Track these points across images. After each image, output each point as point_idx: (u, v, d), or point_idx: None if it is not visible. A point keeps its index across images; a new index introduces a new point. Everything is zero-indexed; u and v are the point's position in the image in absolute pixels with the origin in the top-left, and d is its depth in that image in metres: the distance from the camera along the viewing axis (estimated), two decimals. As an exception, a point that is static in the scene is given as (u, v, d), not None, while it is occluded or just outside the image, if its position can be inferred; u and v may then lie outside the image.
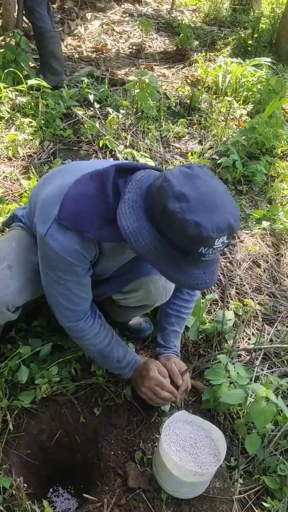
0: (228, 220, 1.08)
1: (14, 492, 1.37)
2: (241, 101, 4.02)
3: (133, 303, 1.69)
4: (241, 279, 2.34)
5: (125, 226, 1.17)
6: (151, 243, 1.15)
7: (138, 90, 3.44)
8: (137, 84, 3.43)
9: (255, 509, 1.48)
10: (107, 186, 1.26)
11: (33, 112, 3.22)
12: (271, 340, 2.07)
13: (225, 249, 2.49)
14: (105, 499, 1.38)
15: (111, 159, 3.03)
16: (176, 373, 1.61)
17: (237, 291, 2.28)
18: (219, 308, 2.14)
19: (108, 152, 3.07)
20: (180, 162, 3.24)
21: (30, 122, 3.09)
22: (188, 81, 4.37)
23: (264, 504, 1.48)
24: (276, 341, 2.06)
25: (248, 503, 1.49)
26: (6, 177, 2.68)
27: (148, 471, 1.49)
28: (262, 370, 1.92)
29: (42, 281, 1.43)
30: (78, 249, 1.28)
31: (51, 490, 1.65)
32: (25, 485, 1.41)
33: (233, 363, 1.84)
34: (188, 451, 1.45)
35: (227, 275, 2.34)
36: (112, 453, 1.54)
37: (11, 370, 1.64)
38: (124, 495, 1.41)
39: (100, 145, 3.07)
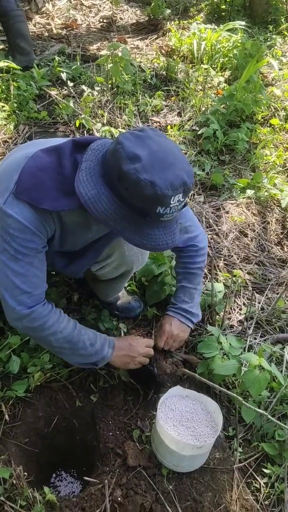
0: (181, 177, 1.11)
1: (14, 481, 1.37)
2: (218, 68, 3.92)
3: (112, 272, 1.65)
4: (228, 250, 2.32)
5: (83, 193, 1.17)
6: (110, 208, 1.15)
7: (111, 65, 3.34)
8: (110, 58, 3.33)
9: (256, 476, 1.50)
10: (64, 159, 1.27)
11: (4, 96, 3.12)
12: (262, 309, 2.07)
13: (210, 220, 2.47)
14: (106, 480, 1.38)
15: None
16: (162, 333, 1.68)
17: (225, 262, 2.26)
18: (208, 281, 2.13)
19: (85, 131, 3.00)
20: (160, 136, 3.17)
21: (3, 107, 3.00)
22: (163, 51, 4.25)
23: (265, 470, 1.50)
24: (267, 309, 2.06)
25: (248, 471, 1.50)
26: (-18, 165, 2.60)
27: (147, 449, 1.49)
28: (255, 339, 1.92)
29: None
30: (37, 217, 1.26)
31: (53, 475, 1.66)
32: (26, 473, 1.41)
33: (225, 335, 1.84)
34: (185, 425, 1.46)
35: (214, 247, 2.32)
36: (111, 434, 1.54)
37: (1, 361, 1.63)
38: (124, 474, 1.41)
39: (77, 125, 2.99)
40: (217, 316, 1.95)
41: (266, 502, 1.44)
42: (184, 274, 1.72)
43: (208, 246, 2.30)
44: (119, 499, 1.35)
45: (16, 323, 1.36)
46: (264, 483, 1.48)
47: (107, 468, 1.45)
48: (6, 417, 1.52)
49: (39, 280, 1.35)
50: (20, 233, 1.25)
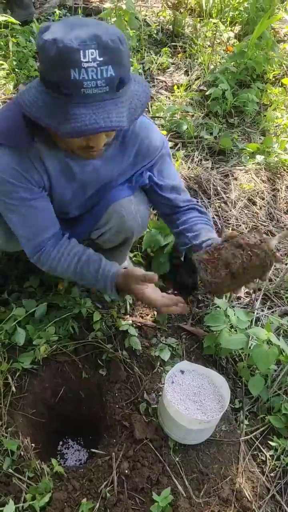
0: (92, 31, 0.96)
1: (22, 453, 1.38)
2: (227, 23, 3.70)
3: (112, 239, 1.59)
4: (236, 219, 2.25)
5: (20, 93, 1.11)
6: (38, 97, 1.05)
7: (115, 19, 3.14)
8: (114, 11, 3.14)
9: (262, 448, 1.51)
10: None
11: (3, 53, 2.96)
12: (270, 280, 2.03)
13: (218, 188, 2.39)
14: (113, 452, 1.40)
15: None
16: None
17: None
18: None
19: (88, 92, 2.86)
20: (166, 97, 3.03)
21: (1, 64, 2.85)
22: (169, 3, 4.00)
23: (271, 443, 1.51)
24: (276, 280, 2.02)
25: (254, 443, 1.52)
26: (-19, 128, 2.50)
27: (154, 421, 1.50)
28: (263, 311, 1.90)
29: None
30: (15, 168, 1.22)
31: (60, 443, 1.68)
32: (33, 444, 1.42)
33: (233, 307, 1.81)
34: (192, 399, 1.45)
35: (222, 216, 2.26)
36: (117, 406, 1.55)
37: (7, 333, 1.61)
38: (131, 446, 1.42)
39: (79, 84, 2.85)
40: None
41: (272, 475, 1.45)
42: (203, 225, 1.45)
43: (216, 215, 2.25)
44: (126, 471, 1.36)
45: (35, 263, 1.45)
46: (270, 455, 1.50)
47: (114, 440, 1.46)
48: (13, 388, 1.52)
49: (39, 227, 1.37)
50: (2, 186, 1.25)
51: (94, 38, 0.95)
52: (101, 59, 0.96)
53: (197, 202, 1.56)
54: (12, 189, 1.26)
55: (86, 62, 0.95)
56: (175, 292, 1.51)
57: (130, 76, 1.10)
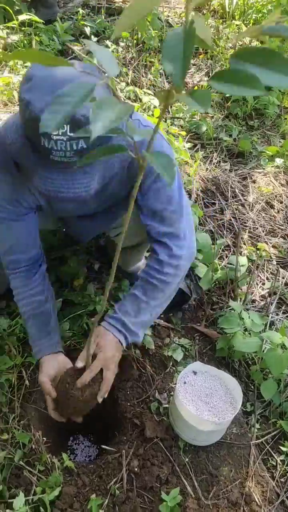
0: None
1: (33, 446, 1.40)
2: (250, 25, 3.68)
3: (128, 240, 1.57)
4: (254, 222, 2.24)
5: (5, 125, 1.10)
6: (17, 139, 1.03)
7: (137, 19, 3.15)
8: (136, 12, 3.14)
9: (272, 453, 1.50)
10: None
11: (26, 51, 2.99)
12: (286, 284, 2.02)
13: (236, 190, 2.38)
14: (123, 450, 1.40)
15: (113, 98, 2.85)
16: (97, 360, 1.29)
17: (250, 235, 2.20)
18: (231, 254, 2.08)
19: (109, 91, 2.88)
20: (186, 97, 3.03)
21: (24, 63, 2.88)
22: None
23: (282, 448, 1.50)
24: (292, 284, 2.01)
25: (265, 447, 1.51)
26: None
27: (165, 421, 1.50)
28: (277, 315, 1.88)
29: None
30: (9, 191, 1.21)
31: (70, 438, 1.69)
32: (44, 438, 1.43)
33: (247, 310, 1.80)
34: (203, 400, 1.45)
35: (239, 218, 2.25)
36: (128, 404, 1.55)
37: (22, 327, 1.63)
38: (142, 445, 1.43)
39: (100, 84, 2.86)
40: (240, 291, 1.91)
41: (282, 480, 1.44)
42: (143, 280, 1.34)
43: (233, 217, 2.24)
44: (136, 469, 1.37)
45: None
46: (280, 460, 1.48)
47: (125, 438, 1.46)
48: (27, 382, 1.54)
49: (14, 247, 1.34)
50: None
51: None
52: (72, 134, 0.92)
53: (178, 237, 1.31)
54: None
55: (56, 135, 0.92)
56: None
57: (111, 136, 1.02)
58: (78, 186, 1.01)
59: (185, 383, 1.48)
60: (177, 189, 1.28)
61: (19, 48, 3.01)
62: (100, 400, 1.31)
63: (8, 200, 1.25)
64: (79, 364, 1.29)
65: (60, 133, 0.92)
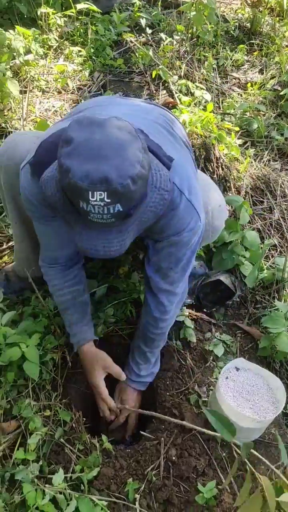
0: (104, 172, 0.90)
1: (74, 425, 1.42)
2: (308, 24, 3.60)
3: None
4: (302, 223, 2.20)
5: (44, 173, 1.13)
6: (56, 193, 1.06)
7: (194, 12, 3.13)
8: (194, 5, 3.13)
9: (311, 456, 1.47)
10: None
11: (82, 40, 3.03)
12: None
13: (286, 190, 2.33)
14: (162, 438, 1.41)
15: (164, 91, 2.85)
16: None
17: (298, 235, 2.16)
18: (277, 254, 2.05)
19: (161, 83, 2.88)
20: (238, 94, 3.00)
21: (79, 51, 2.92)
22: (249, 1, 3.94)
23: None
24: None
25: (304, 450, 1.48)
26: (56, 111, 2.58)
27: (203, 414, 1.50)
28: None
29: None
30: (39, 192, 1.20)
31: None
32: (84, 418, 1.46)
33: (293, 311, 1.77)
34: (245, 397, 1.44)
35: (287, 218, 2.21)
36: (168, 394, 1.56)
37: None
38: (180, 435, 1.43)
39: (153, 76, 2.87)
40: (285, 292, 1.88)
41: None
42: (143, 333, 1.52)
43: (282, 217, 2.20)
44: (174, 458, 1.38)
45: None
46: None
47: (163, 426, 1.47)
48: (69, 363, 1.57)
49: (50, 245, 1.42)
50: (25, 202, 1.29)
51: (104, 181, 0.91)
52: (109, 200, 0.93)
53: (175, 294, 1.44)
54: (33, 209, 1.29)
55: (94, 200, 0.93)
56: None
57: (146, 193, 1.04)
58: (114, 245, 1.03)
59: (227, 378, 1.47)
60: (189, 256, 1.34)
61: (75, 37, 3.04)
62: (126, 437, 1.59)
63: (39, 201, 1.26)
64: (112, 417, 1.57)
65: (98, 199, 0.93)
